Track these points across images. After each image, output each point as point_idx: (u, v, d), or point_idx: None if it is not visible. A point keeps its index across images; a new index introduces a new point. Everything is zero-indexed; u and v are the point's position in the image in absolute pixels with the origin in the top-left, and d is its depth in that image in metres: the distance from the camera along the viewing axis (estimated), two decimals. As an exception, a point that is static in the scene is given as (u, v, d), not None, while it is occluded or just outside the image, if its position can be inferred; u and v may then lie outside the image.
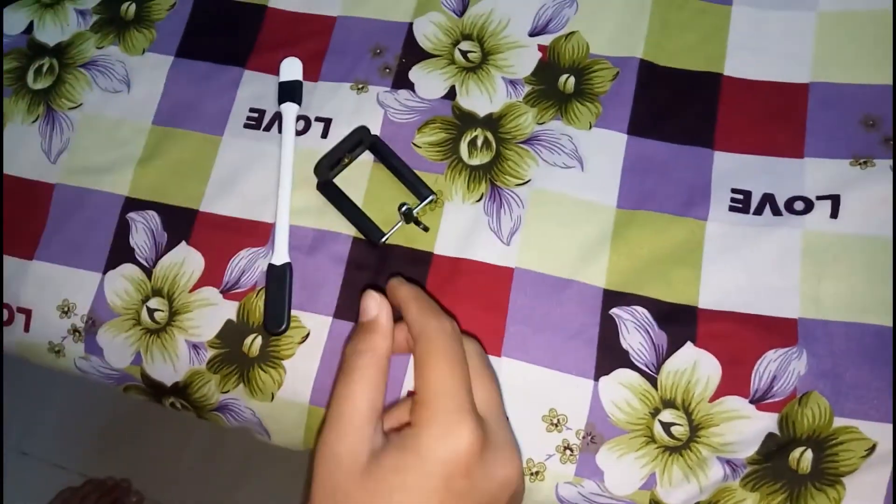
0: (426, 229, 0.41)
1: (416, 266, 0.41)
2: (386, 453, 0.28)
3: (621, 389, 0.38)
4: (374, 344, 0.31)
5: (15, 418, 1.09)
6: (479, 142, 0.43)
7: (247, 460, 1.01)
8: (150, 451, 1.06)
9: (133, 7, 0.49)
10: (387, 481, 0.27)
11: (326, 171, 0.43)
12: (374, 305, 0.32)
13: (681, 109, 0.42)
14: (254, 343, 0.41)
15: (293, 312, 0.41)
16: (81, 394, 1.07)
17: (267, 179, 0.44)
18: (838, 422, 0.35)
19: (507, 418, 0.32)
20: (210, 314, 0.42)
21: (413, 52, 0.45)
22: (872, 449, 0.35)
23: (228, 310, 0.42)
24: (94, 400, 1.08)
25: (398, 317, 0.32)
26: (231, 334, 0.42)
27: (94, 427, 1.10)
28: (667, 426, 0.37)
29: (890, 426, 0.35)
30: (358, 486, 0.27)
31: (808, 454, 0.35)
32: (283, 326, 0.41)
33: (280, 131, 0.45)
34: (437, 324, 0.30)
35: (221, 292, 0.42)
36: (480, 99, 0.44)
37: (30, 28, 0.50)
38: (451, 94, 0.44)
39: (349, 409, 0.29)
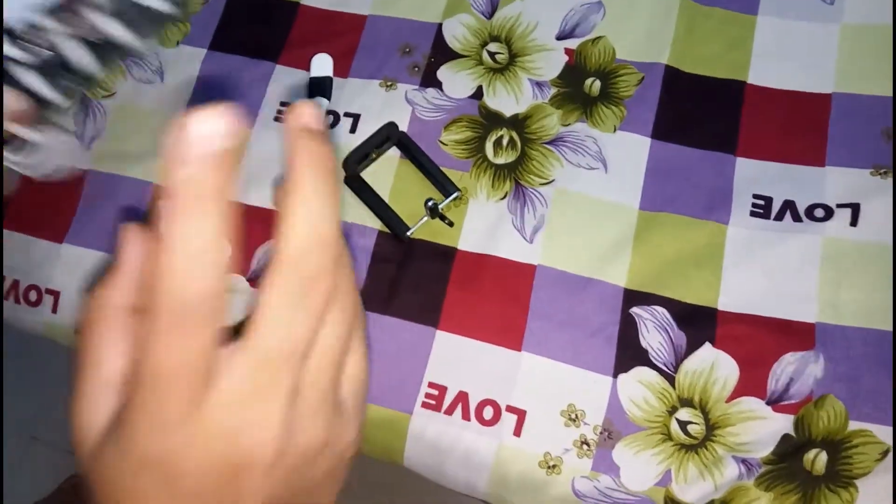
0: (451, 224, 0.42)
1: (441, 260, 0.42)
2: (106, 435, 0.21)
3: (640, 387, 0.38)
4: (112, 297, 0.21)
5: (28, 403, 1.10)
6: (505, 141, 0.44)
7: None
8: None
9: (168, 0, 0.50)
10: (102, 474, 0.21)
11: (354, 166, 0.44)
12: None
13: (704, 115, 0.43)
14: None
15: (318, 302, 0.42)
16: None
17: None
18: (853, 425, 0.36)
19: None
20: (236, 301, 0.43)
21: (442, 52, 0.46)
22: (886, 453, 0.35)
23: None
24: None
25: None
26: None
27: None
28: (683, 424, 0.38)
29: (904, 431, 0.35)
30: (88, 472, 0.21)
31: (823, 456, 0.36)
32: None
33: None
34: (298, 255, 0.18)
35: (248, 280, 0.43)
36: (507, 100, 0.45)
37: (66, 17, 0.51)
38: (478, 93, 0.45)
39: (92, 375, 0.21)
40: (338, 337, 0.20)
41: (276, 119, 0.46)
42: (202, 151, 0.17)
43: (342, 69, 0.47)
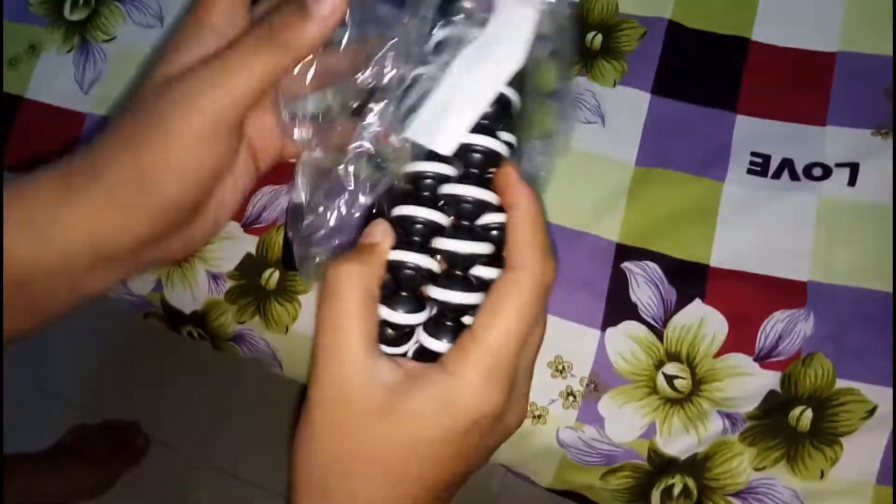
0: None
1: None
2: (410, 394, 0.25)
3: (628, 341, 0.38)
4: (364, 267, 0.26)
5: (31, 355, 1.11)
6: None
7: (257, 404, 1.03)
8: (163, 391, 1.09)
9: (170, -55, 0.50)
10: (409, 426, 0.25)
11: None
12: (380, 232, 0.27)
13: (706, 72, 0.42)
14: (271, 277, 0.42)
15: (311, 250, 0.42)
16: (100, 329, 1.09)
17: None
18: (840, 383, 0.36)
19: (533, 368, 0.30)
20: (230, 247, 0.43)
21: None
22: (872, 411, 0.35)
23: (248, 244, 0.43)
24: (112, 336, 1.10)
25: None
26: (250, 267, 0.43)
27: (111, 364, 1.12)
28: (670, 379, 0.38)
29: (890, 390, 0.35)
30: (374, 428, 0.25)
31: (809, 413, 0.36)
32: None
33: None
34: (541, 267, 0.26)
35: (242, 226, 0.43)
36: (507, 52, 0.44)
37: (68, -39, 0.51)
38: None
39: (344, 342, 0.25)
40: (539, 338, 0.29)
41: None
42: None
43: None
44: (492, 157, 0.28)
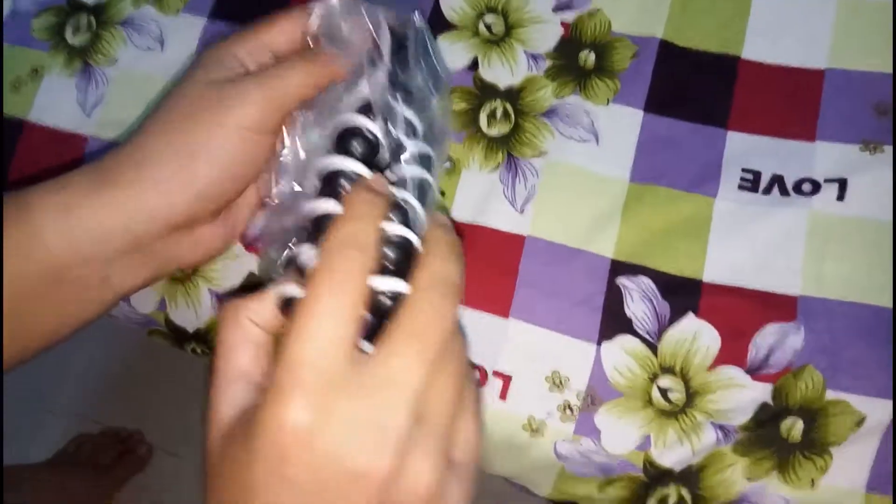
0: (443, 194, 0.43)
1: (432, 229, 0.43)
2: (243, 420, 0.24)
3: (623, 355, 0.39)
4: (241, 305, 0.27)
5: (40, 375, 1.12)
6: (499, 113, 0.44)
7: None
8: (167, 404, 1.10)
9: (169, -32, 0.51)
10: (231, 452, 0.24)
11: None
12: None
13: (697, 90, 0.43)
14: (273, 295, 0.43)
15: (312, 267, 0.43)
16: (103, 343, 1.10)
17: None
18: (830, 395, 0.37)
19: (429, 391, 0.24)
20: (233, 266, 0.44)
21: (438, 24, 0.47)
22: (861, 422, 0.36)
23: (250, 262, 0.44)
24: (116, 350, 1.11)
25: None
26: (253, 286, 0.43)
27: (113, 378, 1.13)
28: (664, 391, 0.39)
29: (880, 400, 0.36)
30: (218, 453, 0.24)
31: (799, 424, 0.37)
32: (302, 280, 0.42)
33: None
34: (353, 252, 0.24)
35: (244, 245, 0.44)
36: (502, 71, 0.45)
37: (69, -16, 0.52)
38: (473, 65, 0.46)
39: (218, 369, 0.26)
40: (451, 392, 0.24)
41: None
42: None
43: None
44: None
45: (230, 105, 0.31)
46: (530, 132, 0.44)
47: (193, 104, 0.31)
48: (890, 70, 0.42)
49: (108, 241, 0.30)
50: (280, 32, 0.34)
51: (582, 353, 0.39)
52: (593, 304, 0.40)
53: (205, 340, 0.44)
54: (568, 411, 0.39)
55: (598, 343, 0.40)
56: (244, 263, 0.44)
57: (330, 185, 0.30)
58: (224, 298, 0.41)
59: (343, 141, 0.31)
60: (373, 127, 0.31)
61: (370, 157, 0.31)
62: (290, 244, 0.31)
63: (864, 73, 0.42)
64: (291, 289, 0.27)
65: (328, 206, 0.28)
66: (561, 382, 0.40)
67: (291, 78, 0.32)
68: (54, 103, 0.49)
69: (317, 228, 0.29)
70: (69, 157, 0.47)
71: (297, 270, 0.29)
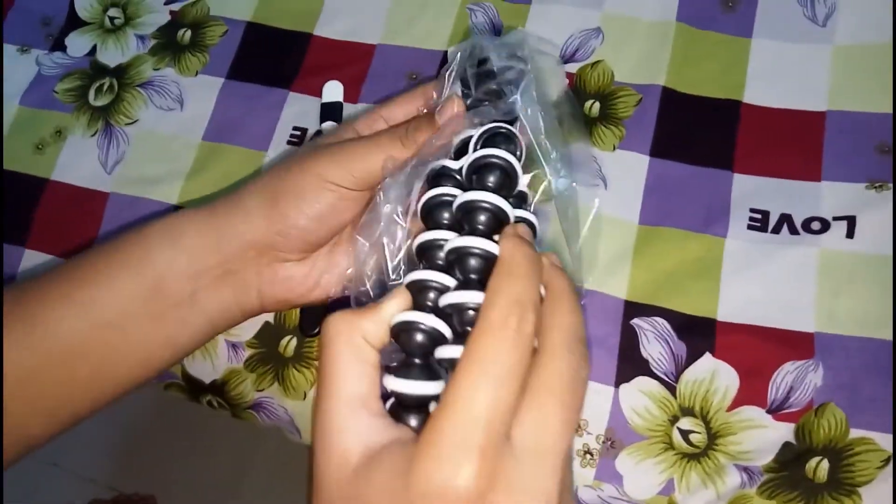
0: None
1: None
2: (378, 461, 0.23)
3: (641, 397, 0.39)
4: (356, 319, 0.26)
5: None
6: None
7: (274, 478, 1.02)
8: (178, 464, 1.08)
9: (189, 33, 0.53)
10: (369, 496, 0.23)
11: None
12: (392, 295, 0.28)
13: (701, 134, 0.44)
14: (289, 344, 0.43)
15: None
16: (114, 405, 1.09)
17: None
18: (854, 433, 0.36)
19: (568, 455, 0.24)
20: (249, 316, 0.44)
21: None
22: (888, 460, 0.36)
23: (267, 313, 0.44)
24: (127, 410, 1.10)
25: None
26: (268, 335, 0.44)
27: (125, 438, 1.12)
28: (685, 433, 0.38)
29: (905, 438, 0.36)
30: (341, 494, 0.23)
31: (825, 464, 0.36)
32: (318, 329, 0.43)
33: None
34: (511, 322, 0.23)
35: (261, 296, 0.45)
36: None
37: (93, 51, 0.54)
38: (482, 116, 0.47)
39: (330, 401, 0.25)
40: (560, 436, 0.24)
41: (289, 142, 0.48)
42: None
43: (352, 95, 0.49)
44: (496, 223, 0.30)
45: (317, 158, 0.35)
46: (538, 177, 0.45)
47: (293, 160, 0.36)
48: (889, 110, 0.43)
49: (199, 256, 0.34)
50: (398, 107, 0.38)
51: (600, 396, 0.39)
52: (609, 345, 0.40)
53: (221, 393, 0.45)
54: (588, 456, 0.39)
55: (616, 385, 0.39)
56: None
57: (471, 218, 0.29)
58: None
59: (484, 170, 0.30)
60: (514, 162, 0.31)
61: (509, 192, 0.32)
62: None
63: (864, 114, 0.43)
64: (438, 325, 0.26)
65: (488, 246, 0.27)
66: (580, 426, 0.39)
67: (381, 142, 0.34)
68: (77, 162, 0.50)
69: (461, 264, 0.28)
70: (91, 212, 0.48)
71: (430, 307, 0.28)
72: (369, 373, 0.26)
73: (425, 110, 0.37)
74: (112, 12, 0.55)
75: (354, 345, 0.26)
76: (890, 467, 0.35)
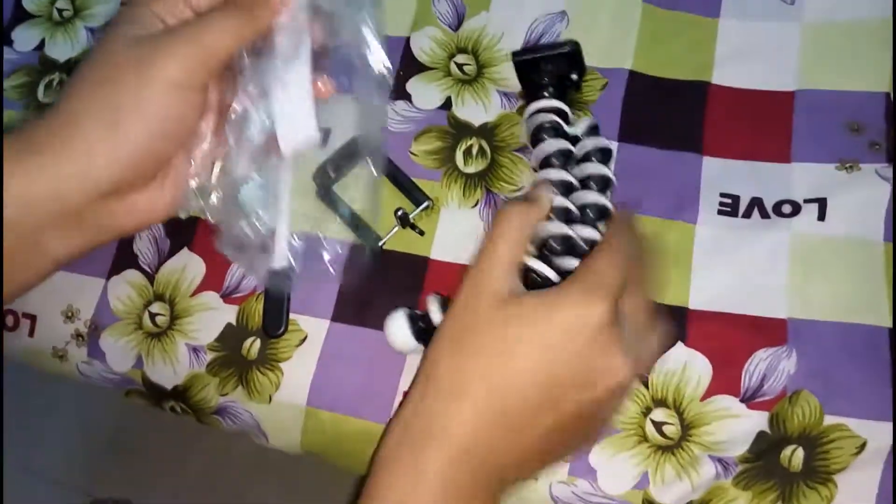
0: (422, 233, 0.42)
1: (413, 271, 0.42)
2: (522, 301, 0.30)
3: (613, 389, 0.38)
4: (527, 210, 0.34)
5: (19, 434, 1.09)
6: (475, 150, 0.44)
7: (249, 479, 1.01)
8: (152, 466, 1.06)
9: (141, 25, 0.51)
10: (513, 324, 0.30)
11: (326, 179, 0.44)
12: (545, 195, 0.36)
13: (669, 117, 0.43)
14: (252, 346, 0.42)
15: (291, 316, 0.42)
16: (85, 408, 1.07)
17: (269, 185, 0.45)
18: (829, 420, 0.36)
19: (654, 335, 0.33)
20: (210, 318, 0.43)
21: (410, 65, 0.47)
22: (863, 447, 0.35)
23: (228, 314, 0.43)
24: (98, 414, 1.08)
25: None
26: (230, 338, 0.42)
27: (98, 442, 1.10)
28: (658, 425, 0.37)
29: (879, 423, 0.35)
30: (489, 318, 0.30)
31: (800, 452, 0.36)
32: (282, 329, 0.41)
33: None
34: (634, 239, 0.34)
35: (222, 297, 0.43)
36: (475, 109, 0.45)
37: (41, 45, 0.52)
38: (447, 104, 0.46)
39: (494, 256, 0.32)
40: (641, 312, 0.33)
41: (248, 137, 0.46)
42: None
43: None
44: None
45: (153, 61, 0.29)
46: (507, 167, 0.44)
47: (116, 63, 0.30)
48: (861, 88, 0.42)
49: (36, 208, 0.29)
50: None
51: (571, 390, 0.38)
52: (580, 338, 0.39)
53: (184, 398, 0.43)
54: (561, 451, 0.38)
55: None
56: (223, 314, 0.43)
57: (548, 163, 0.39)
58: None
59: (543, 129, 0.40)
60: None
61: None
62: None
63: (834, 92, 0.42)
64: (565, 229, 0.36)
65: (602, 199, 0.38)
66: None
67: (215, 31, 0.30)
68: (26, 163, 0.48)
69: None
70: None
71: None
72: (522, 249, 0.33)
73: None
74: (60, 4, 0.53)
75: (522, 228, 0.33)
76: (865, 454, 0.35)
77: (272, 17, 0.32)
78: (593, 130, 0.41)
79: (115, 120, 0.29)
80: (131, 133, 0.29)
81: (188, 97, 0.30)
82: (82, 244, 0.32)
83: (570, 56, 0.42)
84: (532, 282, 0.34)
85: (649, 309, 0.33)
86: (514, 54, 0.42)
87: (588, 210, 0.38)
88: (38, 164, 0.29)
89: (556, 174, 0.38)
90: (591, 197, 0.38)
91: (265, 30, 0.32)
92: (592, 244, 0.37)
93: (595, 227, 0.37)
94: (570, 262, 0.34)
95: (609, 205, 0.38)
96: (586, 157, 0.40)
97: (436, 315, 0.36)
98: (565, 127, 0.40)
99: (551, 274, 0.34)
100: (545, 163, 0.39)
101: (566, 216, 0.37)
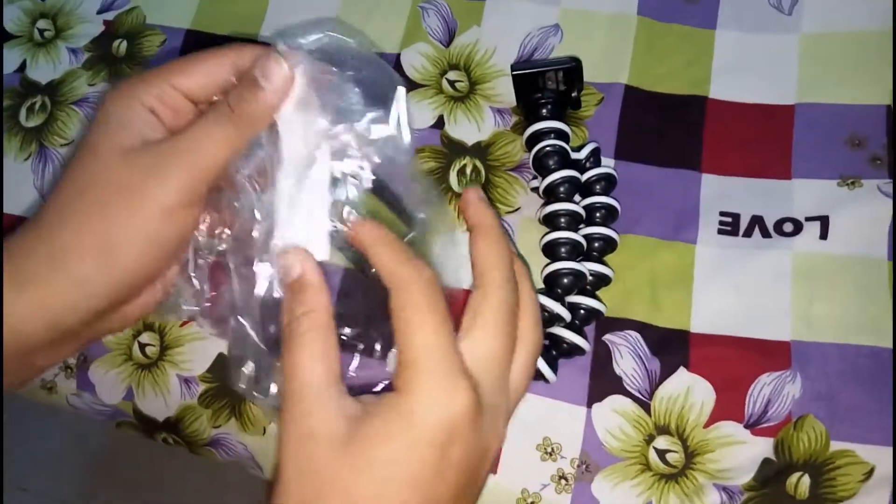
0: (416, 258, 0.41)
1: (407, 295, 0.41)
2: (367, 422, 0.25)
3: (615, 416, 0.37)
4: (308, 302, 0.27)
5: (13, 452, 1.08)
6: (469, 170, 0.43)
7: (243, 498, 1.00)
8: (148, 483, 1.05)
9: (124, 44, 0.50)
10: (373, 453, 0.24)
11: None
12: (296, 262, 0.28)
13: (667, 133, 0.42)
14: (245, 376, 0.41)
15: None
16: (80, 425, 1.06)
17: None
18: (835, 445, 0.35)
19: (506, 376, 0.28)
20: (201, 348, 0.42)
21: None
22: (870, 473, 0.34)
23: (220, 344, 0.42)
24: (93, 431, 1.07)
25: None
26: (222, 368, 0.41)
27: (93, 459, 1.09)
28: (662, 453, 0.37)
29: (887, 449, 0.34)
30: (339, 461, 0.24)
31: (806, 479, 0.35)
32: (275, 359, 0.40)
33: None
34: (416, 272, 0.27)
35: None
36: (469, 128, 0.44)
37: (23, 66, 0.51)
38: (439, 123, 0.45)
39: (305, 380, 0.26)
40: (509, 352, 0.28)
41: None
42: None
43: (301, 105, 0.46)
44: None
45: (146, 187, 0.27)
46: (502, 188, 0.43)
47: (106, 185, 0.28)
48: (861, 101, 0.41)
49: (31, 338, 0.28)
50: (195, 78, 0.29)
51: (572, 418, 0.38)
52: (581, 363, 0.38)
53: (175, 430, 0.42)
54: (563, 481, 0.37)
55: (589, 405, 0.38)
56: (214, 344, 0.42)
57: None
58: None
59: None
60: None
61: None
62: None
63: (834, 105, 0.41)
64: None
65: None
66: (553, 450, 0.37)
67: (209, 147, 0.28)
68: (14, 190, 0.47)
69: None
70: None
71: None
72: (335, 356, 0.27)
73: (233, 78, 0.29)
74: (41, 24, 0.52)
75: (324, 330, 0.27)
76: (872, 480, 0.34)
77: (268, 119, 0.29)
78: (595, 155, 0.41)
79: (108, 252, 0.27)
80: (125, 264, 0.28)
81: (184, 217, 0.29)
82: (72, 352, 0.32)
83: (572, 72, 0.41)
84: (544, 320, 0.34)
85: (496, 340, 0.28)
86: (513, 67, 0.41)
87: (595, 243, 0.38)
88: (32, 298, 0.27)
89: (565, 206, 0.38)
90: (599, 230, 0.38)
91: (262, 127, 0.29)
92: (601, 278, 0.38)
93: (602, 262, 0.38)
94: (581, 300, 0.36)
95: (616, 237, 0.39)
96: (591, 186, 0.40)
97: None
98: (570, 152, 0.40)
99: (563, 312, 0.34)
100: (552, 192, 0.39)
101: (576, 251, 0.37)
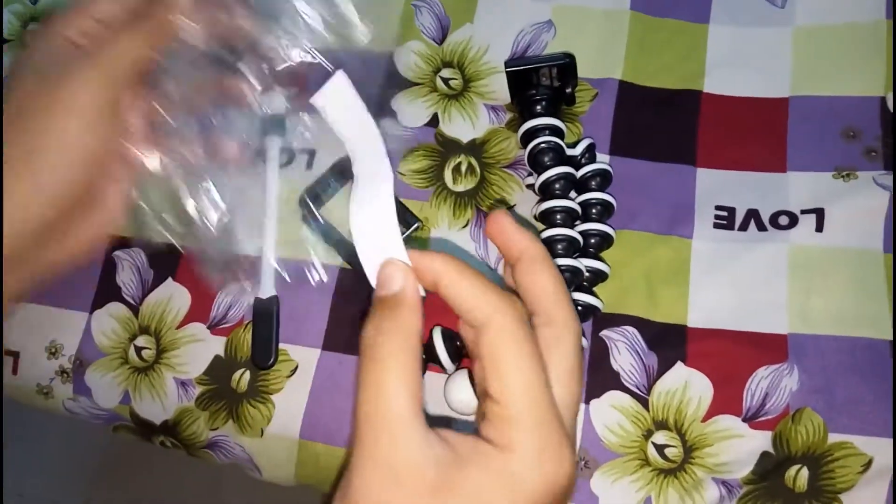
0: (412, 257, 0.41)
1: (404, 294, 0.41)
2: (461, 472, 0.22)
3: (613, 412, 0.37)
4: (402, 321, 0.24)
5: (10, 458, 1.07)
6: (464, 168, 0.43)
7: (242, 500, 0.99)
8: (147, 487, 1.05)
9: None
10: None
11: (311, 203, 0.43)
12: (399, 276, 0.25)
13: (661, 128, 0.42)
14: (242, 378, 0.41)
15: (281, 346, 0.41)
16: (77, 430, 1.06)
17: (251, 213, 0.43)
18: (833, 438, 0.35)
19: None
20: (197, 350, 0.42)
21: (395, 82, 0.46)
22: (868, 464, 0.34)
23: (216, 345, 0.42)
24: (91, 435, 1.07)
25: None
26: (219, 370, 0.41)
27: (91, 464, 1.09)
28: (660, 448, 0.36)
29: (885, 440, 0.34)
30: None
31: (804, 472, 0.35)
32: (272, 360, 0.40)
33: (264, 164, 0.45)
34: (510, 307, 0.24)
35: (209, 328, 0.42)
36: (463, 126, 0.44)
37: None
38: (433, 121, 0.44)
39: (391, 405, 0.23)
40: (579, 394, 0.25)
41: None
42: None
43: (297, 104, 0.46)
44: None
45: (59, 91, 0.28)
46: (497, 185, 0.43)
47: (25, 101, 0.29)
48: (855, 93, 0.41)
49: None
50: (107, 4, 0.30)
51: (570, 414, 0.37)
52: (577, 360, 0.38)
53: (173, 433, 0.42)
54: (561, 478, 0.37)
55: (587, 402, 0.38)
56: (210, 346, 0.42)
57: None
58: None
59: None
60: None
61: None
62: None
63: (828, 98, 0.41)
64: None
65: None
66: (551, 447, 0.37)
67: (120, 47, 0.29)
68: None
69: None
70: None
71: None
72: (419, 381, 0.24)
73: None
74: (33, 28, 0.51)
75: (410, 351, 0.24)
76: (871, 472, 0.34)
77: (174, 26, 0.29)
78: (591, 151, 0.41)
79: (29, 155, 0.28)
80: (48, 166, 0.28)
81: (103, 126, 0.29)
82: (20, 290, 0.31)
83: (566, 68, 0.40)
84: None
85: (577, 385, 0.26)
86: (507, 63, 0.41)
87: (591, 239, 0.38)
88: None
89: (561, 203, 0.38)
90: (595, 226, 0.38)
91: (175, 32, 0.30)
92: (598, 274, 0.38)
93: (599, 258, 0.38)
94: (578, 296, 0.35)
95: (612, 233, 0.39)
96: (587, 182, 0.40)
97: (442, 353, 0.35)
98: (565, 149, 0.40)
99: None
100: (547, 189, 0.39)
101: (573, 247, 0.37)
